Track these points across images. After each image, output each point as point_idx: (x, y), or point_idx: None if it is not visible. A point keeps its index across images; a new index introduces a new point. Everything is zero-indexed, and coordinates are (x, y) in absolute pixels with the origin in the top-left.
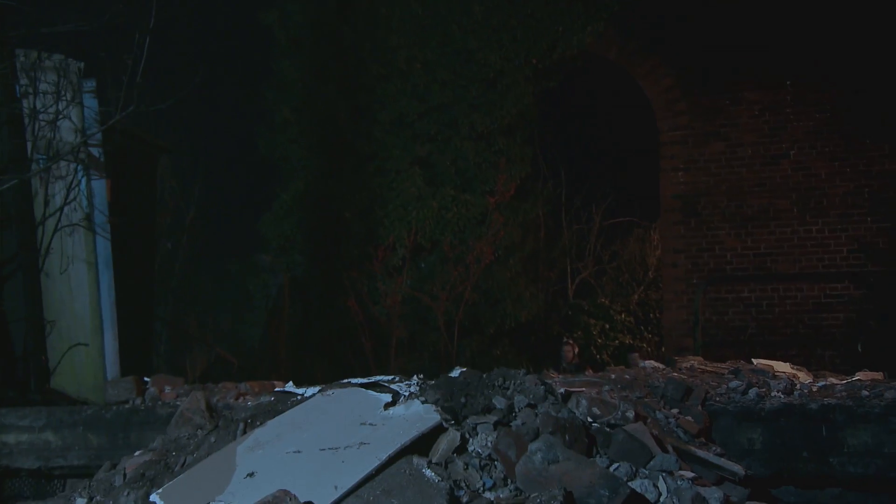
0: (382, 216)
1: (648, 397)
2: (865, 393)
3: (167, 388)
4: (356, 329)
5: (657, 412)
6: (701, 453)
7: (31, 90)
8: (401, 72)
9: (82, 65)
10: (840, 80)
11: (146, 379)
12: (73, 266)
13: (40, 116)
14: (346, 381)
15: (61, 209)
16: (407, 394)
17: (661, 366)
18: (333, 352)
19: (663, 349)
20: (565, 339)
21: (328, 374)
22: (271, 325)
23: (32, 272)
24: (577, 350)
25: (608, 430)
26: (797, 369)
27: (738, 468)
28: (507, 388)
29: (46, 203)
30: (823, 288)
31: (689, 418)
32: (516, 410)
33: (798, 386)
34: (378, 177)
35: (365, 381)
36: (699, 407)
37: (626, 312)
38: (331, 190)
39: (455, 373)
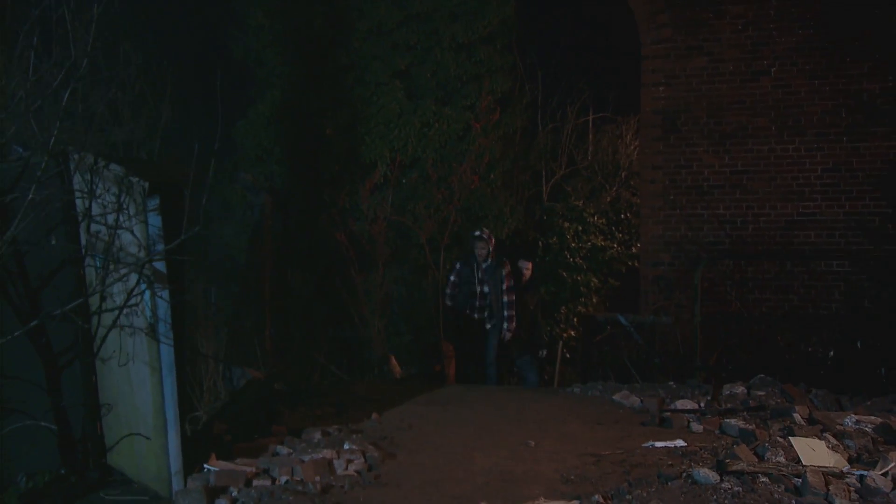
0: (364, 133)
1: None
2: None
3: (233, 492)
4: (338, 246)
5: None
6: None
7: (84, 191)
8: None
9: (147, 185)
10: None
11: (207, 468)
12: (134, 364)
13: (96, 219)
14: None
15: (121, 309)
16: None
17: (716, 475)
18: (317, 269)
19: (635, 247)
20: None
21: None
22: (255, 245)
23: (88, 361)
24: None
25: None
26: (832, 449)
27: None
28: None
29: (103, 298)
30: (797, 206)
31: None
32: None
33: None
34: (357, 88)
35: None
36: None
37: (598, 214)
38: (309, 102)
39: None
